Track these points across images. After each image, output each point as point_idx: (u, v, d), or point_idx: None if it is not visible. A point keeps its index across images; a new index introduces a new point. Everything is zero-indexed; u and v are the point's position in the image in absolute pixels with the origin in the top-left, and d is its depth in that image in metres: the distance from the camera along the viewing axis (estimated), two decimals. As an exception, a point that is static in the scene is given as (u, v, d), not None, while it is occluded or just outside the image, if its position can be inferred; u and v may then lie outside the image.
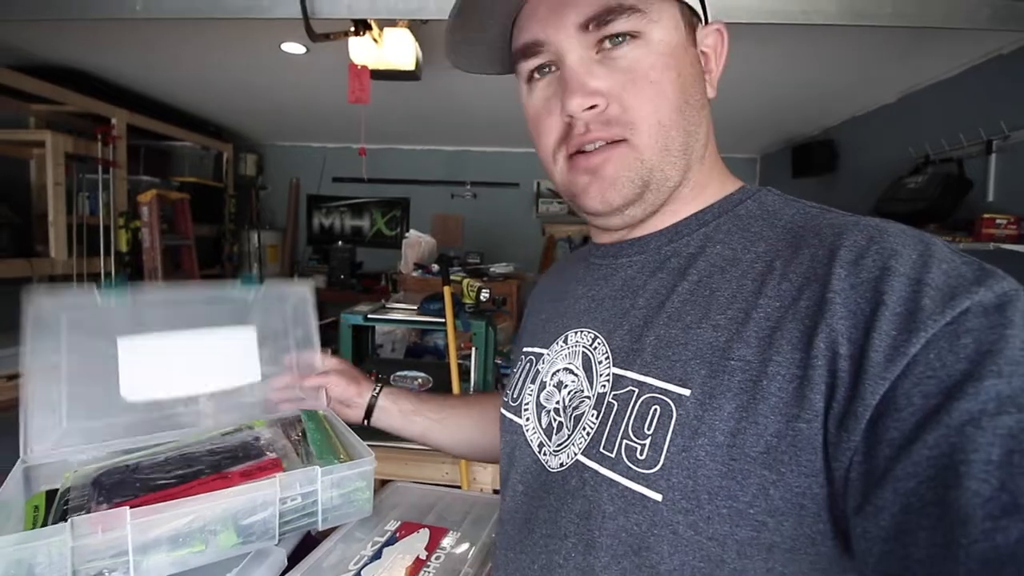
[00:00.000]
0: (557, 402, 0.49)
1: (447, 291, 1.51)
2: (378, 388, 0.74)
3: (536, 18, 0.44)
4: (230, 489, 0.52)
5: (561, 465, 0.45)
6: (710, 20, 0.48)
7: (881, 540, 0.30)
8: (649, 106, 0.43)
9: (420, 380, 1.56)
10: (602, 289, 0.51)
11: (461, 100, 3.25)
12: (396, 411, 0.73)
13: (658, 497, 0.38)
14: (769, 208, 0.45)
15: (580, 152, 0.45)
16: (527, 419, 0.52)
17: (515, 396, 0.55)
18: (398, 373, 1.54)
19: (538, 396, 0.51)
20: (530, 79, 0.47)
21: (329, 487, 0.59)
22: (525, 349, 0.58)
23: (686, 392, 0.38)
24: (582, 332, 0.50)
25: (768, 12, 1.45)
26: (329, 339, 1.88)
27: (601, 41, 0.42)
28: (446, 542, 0.62)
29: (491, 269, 2.93)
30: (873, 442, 0.31)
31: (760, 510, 0.35)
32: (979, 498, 0.26)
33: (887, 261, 0.34)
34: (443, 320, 1.52)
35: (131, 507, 0.47)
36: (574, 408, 0.46)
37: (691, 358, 0.39)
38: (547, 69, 0.45)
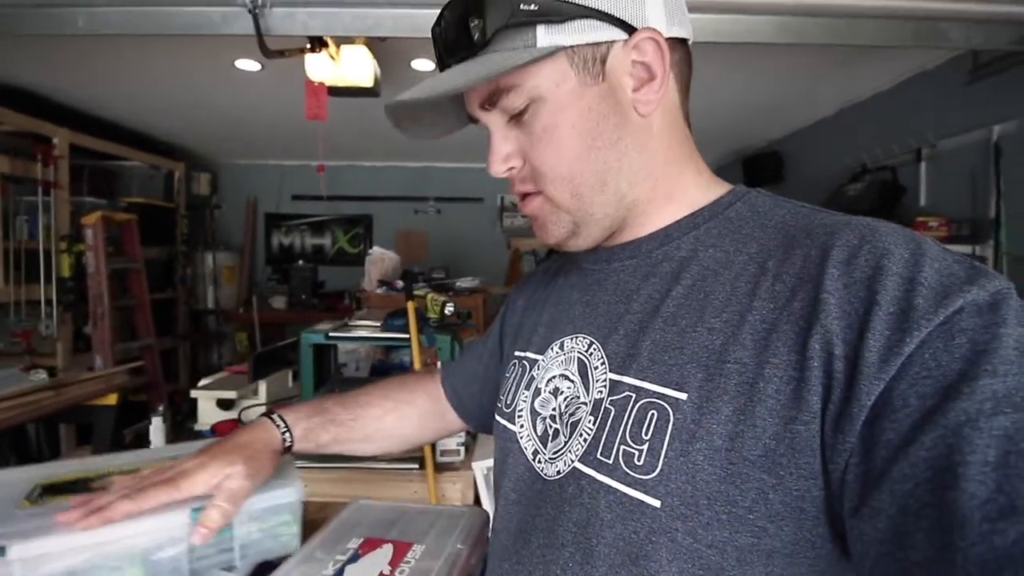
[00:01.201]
0: (553, 409, 0.48)
1: (411, 306, 1.50)
2: (287, 440, 0.63)
3: (467, 101, 0.49)
4: (131, 524, 0.47)
5: (558, 473, 0.45)
6: (639, 27, 0.44)
7: (878, 542, 0.30)
8: (548, 163, 0.45)
9: (385, 397, 1.53)
10: (596, 294, 0.51)
11: (421, 116, 3.25)
12: (312, 446, 0.65)
13: (656, 503, 0.37)
14: (759, 209, 0.45)
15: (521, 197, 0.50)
16: (521, 426, 0.51)
17: (508, 402, 0.55)
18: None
19: (532, 402, 0.51)
20: None
21: (246, 520, 0.54)
22: (517, 354, 0.58)
23: (683, 396, 0.38)
24: (577, 338, 0.50)
25: (712, 32, 1.53)
26: (290, 360, 1.84)
27: (508, 115, 0.46)
28: (411, 556, 0.61)
29: (457, 284, 2.92)
30: (869, 444, 0.31)
31: (760, 515, 0.34)
32: (976, 500, 0.26)
33: (880, 260, 0.34)
34: (407, 336, 1.51)
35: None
36: (571, 415, 0.46)
37: (687, 362, 0.39)
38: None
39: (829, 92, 2.91)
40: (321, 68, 1.87)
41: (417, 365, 1.51)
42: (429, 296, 1.63)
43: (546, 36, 0.42)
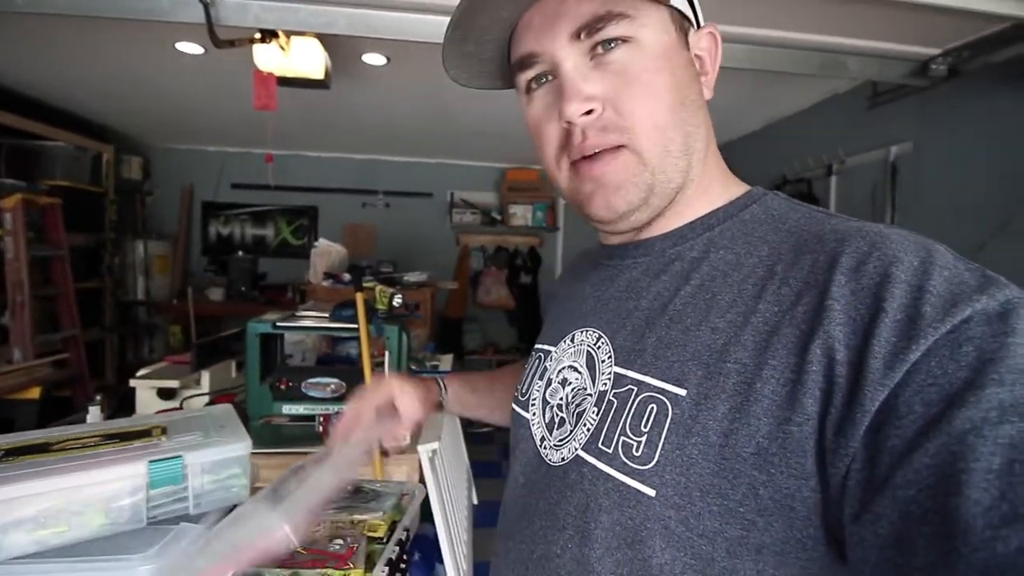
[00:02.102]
0: (561, 398, 0.50)
1: (360, 297, 1.54)
2: (443, 394, 0.76)
3: (531, 30, 0.45)
4: (94, 472, 0.52)
5: (562, 459, 0.47)
6: (703, 24, 0.49)
7: (879, 548, 0.29)
8: (644, 109, 0.43)
9: (333, 386, 1.57)
10: (608, 290, 0.52)
11: (372, 109, 3.25)
12: (459, 408, 0.79)
13: (651, 493, 0.39)
14: (774, 213, 0.45)
15: (584, 159, 0.45)
16: (533, 413, 0.54)
17: (524, 391, 0.57)
18: (310, 380, 1.54)
19: (544, 392, 0.53)
20: (528, 90, 0.48)
21: (199, 473, 0.60)
22: (536, 346, 0.60)
23: (682, 392, 0.39)
24: (587, 331, 0.51)
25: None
26: (233, 351, 1.82)
27: (594, 48, 0.43)
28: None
29: (404, 278, 2.95)
30: (873, 450, 0.31)
31: (749, 509, 0.35)
32: (979, 507, 0.26)
33: (888, 268, 0.34)
34: (356, 326, 1.55)
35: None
36: (576, 405, 0.48)
37: (689, 359, 0.40)
38: (544, 79, 0.47)
39: (757, 110, 3.16)
40: (270, 58, 1.86)
41: (365, 355, 1.55)
42: (378, 288, 1.68)
43: None
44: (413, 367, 2.04)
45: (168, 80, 2.87)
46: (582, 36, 0.43)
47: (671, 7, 0.45)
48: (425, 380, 0.74)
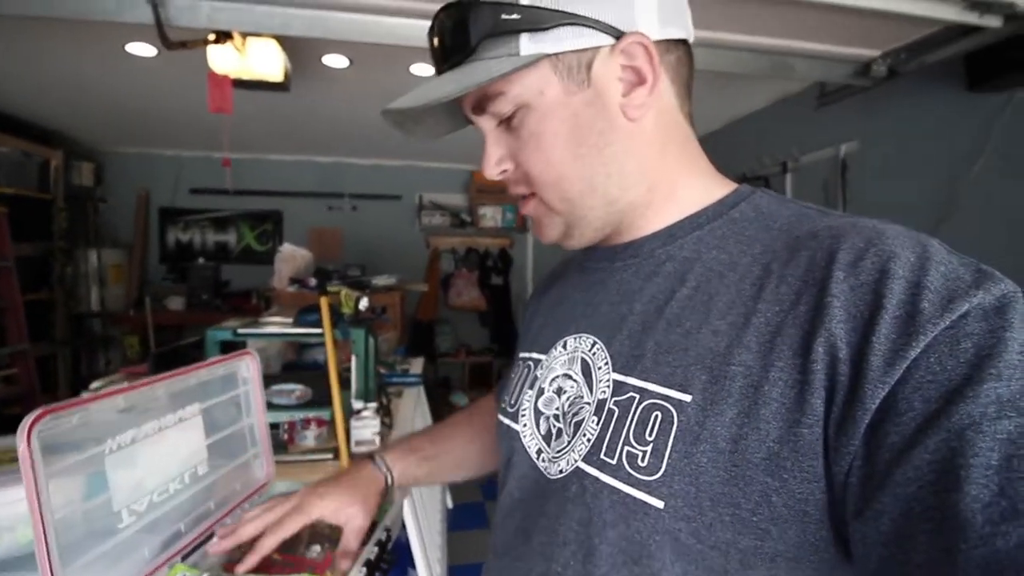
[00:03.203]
0: (556, 408, 0.49)
1: (324, 301, 1.52)
2: (388, 477, 0.68)
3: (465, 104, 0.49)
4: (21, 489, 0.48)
5: (561, 472, 0.45)
6: (626, 33, 0.44)
7: (881, 545, 0.29)
8: (540, 167, 0.46)
9: (298, 392, 1.55)
10: (598, 294, 0.51)
11: (335, 111, 3.21)
12: (411, 483, 0.71)
13: (660, 504, 0.37)
14: (764, 210, 0.45)
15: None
16: (524, 425, 0.52)
17: (512, 402, 0.55)
18: (274, 387, 1.52)
19: (536, 402, 0.51)
20: None
21: None
22: (522, 355, 0.58)
23: (687, 398, 0.38)
24: (581, 337, 0.50)
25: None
26: (194, 359, 1.78)
27: (500, 120, 0.47)
28: None
29: (373, 281, 2.92)
30: (873, 447, 0.31)
31: (763, 518, 0.34)
32: (979, 503, 0.26)
33: (885, 264, 0.34)
34: (321, 331, 1.53)
35: None
36: (574, 414, 0.46)
37: (691, 363, 0.39)
38: None
39: (718, 109, 3.25)
40: (226, 60, 1.82)
41: (331, 360, 1.53)
42: (343, 292, 1.66)
43: (530, 44, 0.42)
44: (383, 371, 2.02)
45: (120, 83, 2.76)
46: (479, 113, 0.47)
47: (552, 55, 0.43)
48: (360, 468, 0.68)
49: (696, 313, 0.42)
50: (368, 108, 3.11)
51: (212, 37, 1.64)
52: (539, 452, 0.49)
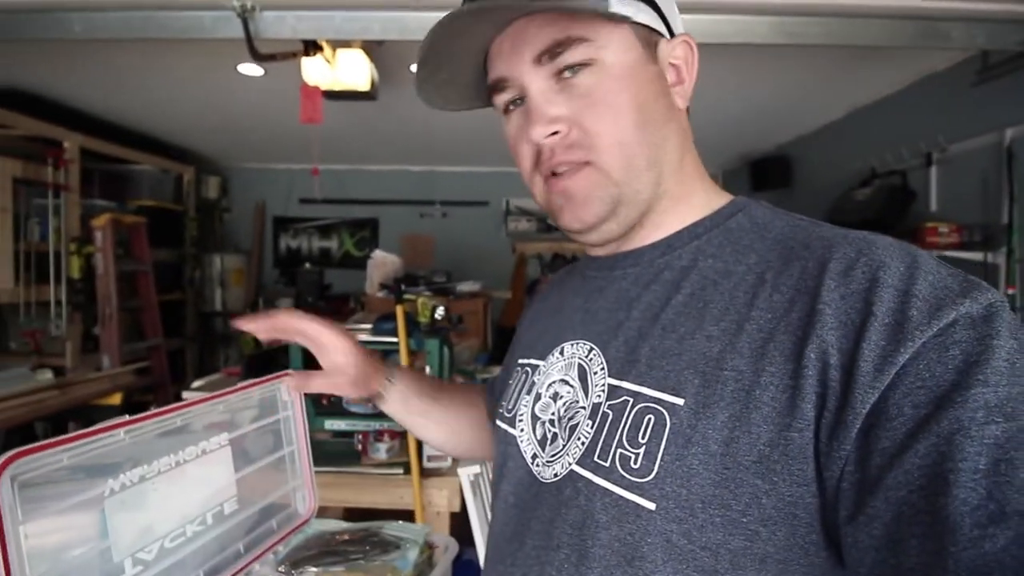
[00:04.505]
0: (552, 413, 0.49)
1: (400, 310, 1.49)
2: (391, 379, 0.68)
3: (501, 56, 0.46)
4: None
5: (555, 475, 0.45)
6: (677, 33, 0.48)
7: (873, 549, 0.30)
8: (607, 127, 0.44)
9: (374, 401, 1.52)
10: (597, 301, 0.51)
11: (422, 120, 3.27)
12: (401, 408, 0.69)
13: (651, 506, 0.38)
14: (759, 221, 0.46)
15: (553, 175, 0.46)
16: (521, 430, 0.52)
17: (510, 407, 0.55)
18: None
19: (533, 407, 0.52)
20: (506, 110, 0.49)
21: None
22: (520, 361, 0.58)
23: (680, 401, 0.39)
24: (578, 344, 0.50)
25: (710, 33, 1.50)
26: (284, 363, 1.84)
27: (560, 72, 0.44)
28: None
29: (457, 288, 2.92)
30: (865, 452, 0.32)
31: (753, 519, 0.35)
32: (967, 506, 0.27)
33: (876, 273, 0.35)
34: (396, 340, 1.50)
35: None
36: (569, 419, 0.47)
37: (685, 368, 0.40)
38: (518, 101, 0.47)
39: (837, 95, 2.85)
40: (317, 72, 1.88)
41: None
42: (420, 300, 1.63)
43: (619, 4, 0.43)
44: (460, 379, 1.98)
45: (234, 102, 3.03)
46: (543, 60, 0.44)
47: (636, 23, 0.45)
48: (375, 356, 0.67)
49: (691, 319, 0.42)
50: (452, 117, 3.13)
51: (303, 50, 1.70)
52: (534, 457, 0.49)
